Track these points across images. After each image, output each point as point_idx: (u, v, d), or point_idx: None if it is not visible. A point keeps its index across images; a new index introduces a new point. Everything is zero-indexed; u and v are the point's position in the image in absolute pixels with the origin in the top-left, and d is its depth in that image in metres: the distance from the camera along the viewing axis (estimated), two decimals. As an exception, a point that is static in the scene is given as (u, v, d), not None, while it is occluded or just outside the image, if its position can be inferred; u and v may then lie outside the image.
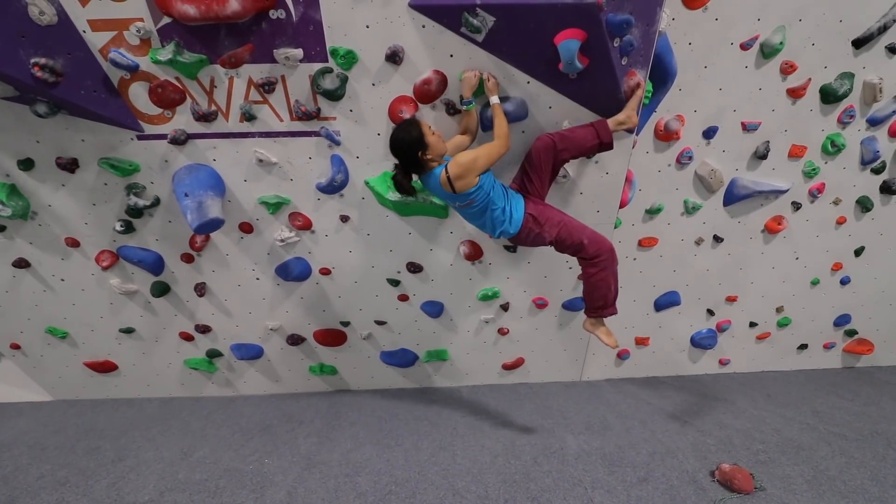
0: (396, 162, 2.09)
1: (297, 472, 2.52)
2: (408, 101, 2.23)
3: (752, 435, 2.75)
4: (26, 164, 2.31)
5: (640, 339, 3.35)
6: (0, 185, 2.34)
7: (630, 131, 2.25)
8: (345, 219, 2.59)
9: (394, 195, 2.41)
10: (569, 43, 1.91)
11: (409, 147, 2.00)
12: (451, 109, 2.26)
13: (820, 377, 3.49)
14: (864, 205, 2.95)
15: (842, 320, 3.43)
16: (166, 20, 1.97)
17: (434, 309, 2.97)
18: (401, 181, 2.08)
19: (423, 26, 2.05)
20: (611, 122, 2.18)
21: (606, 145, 2.20)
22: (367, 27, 2.05)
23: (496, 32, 2.00)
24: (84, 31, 1.97)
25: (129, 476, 2.51)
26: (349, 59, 2.10)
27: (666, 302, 3.18)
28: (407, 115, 2.25)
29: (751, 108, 2.56)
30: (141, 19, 1.96)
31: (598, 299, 2.28)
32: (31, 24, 1.85)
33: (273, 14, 1.98)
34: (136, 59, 2.05)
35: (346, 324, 3.03)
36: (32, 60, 1.88)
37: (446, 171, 1.99)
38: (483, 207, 2.12)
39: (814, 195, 2.88)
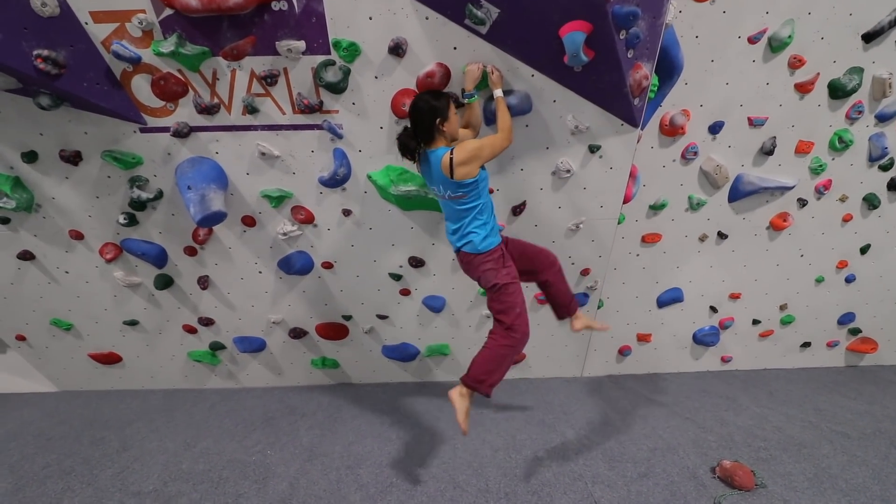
0: (407, 125, 2.06)
1: (300, 463, 2.53)
2: (411, 94, 2.21)
3: (754, 432, 2.75)
4: (30, 157, 2.31)
5: (641, 336, 3.34)
6: (4, 177, 2.35)
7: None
8: (347, 213, 2.58)
9: (397, 189, 2.40)
10: (574, 35, 1.89)
11: (430, 111, 1.97)
12: (455, 103, 2.24)
13: (823, 375, 3.48)
14: (870, 202, 2.92)
15: (846, 318, 3.41)
16: (168, 12, 1.96)
17: (436, 303, 2.97)
18: (406, 142, 2.04)
19: (427, 18, 2.04)
20: (580, 315, 2.49)
21: (566, 311, 2.48)
22: (370, 19, 2.03)
23: (500, 24, 1.98)
24: (86, 23, 1.97)
25: (133, 466, 2.54)
26: (352, 51, 2.09)
27: (668, 298, 3.17)
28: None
29: (758, 103, 2.53)
30: (143, 11, 1.95)
31: (484, 372, 2.13)
32: (34, 15, 1.85)
33: (275, 5, 1.96)
34: (139, 51, 2.04)
35: (347, 318, 3.04)
36: (35, 52, 1.88)
37: (451, 154, 1.96)
38: (470, 207, 2.08)
39: (820, 192, 2.85)
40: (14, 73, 1.95)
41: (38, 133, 2.26)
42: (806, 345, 3.52)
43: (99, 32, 2.00)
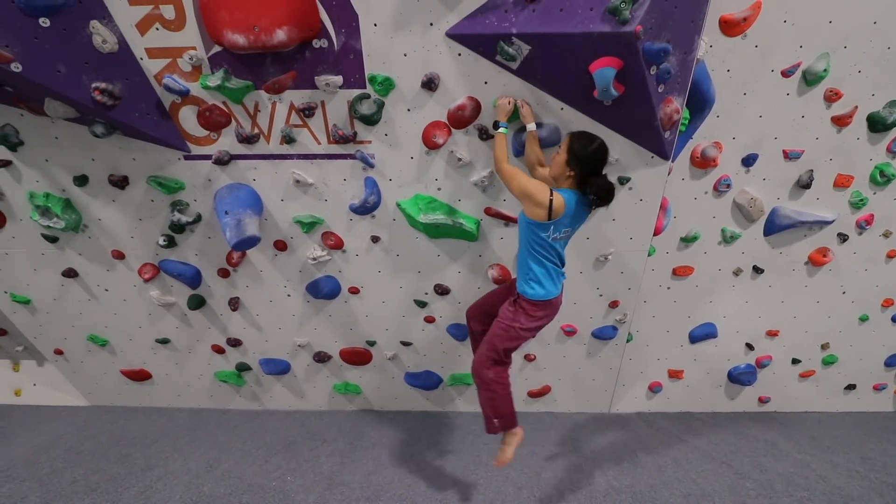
0: (597, 174, 2.00)
1: (319, 492, 2.50)
2: (441, 126, 2.27)
3: (796, 481, 2.58)
4: (81, 181, 2.45)
5: (673, 372, 3.22)
6: (56, 198, 2.49)
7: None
8: (375, 239, 2.62)
9: (426, 217, 2.42)
10: (604, 71, 1.91)
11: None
12: (484, 134, 2.29)
13: (870, 420, 3.27)
14: (917, 238, 2.79)
15: (893, 360, 3.21)
16: (217, 49, 2.09)
17: (460, 332, 2.94)
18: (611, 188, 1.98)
19: (459, 54, 2.10)
20: None
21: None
22: (405, 55, 2.11)
23: (531, 60, 2.03)
24: (141, 59, 2.11)
25: (156, 486, 2.55)
26: (386, 85, 2.16)
27: (701, 334, 3.06)
28: (441, 140, 2.28)
29: (793, 136, 2.48)
30: (194, 48, 2.09)
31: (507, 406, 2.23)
32: (95, 51, 1.99)
33: (316, 43, 2.07)
34: (188, 84, 2.17)
35: (371, 343, 3.04)
36: (93, 85, 2.02)
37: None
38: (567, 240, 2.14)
39: (862, 227, 2.75)
40: (73, 104, 2.09)
41: (90, 158, 2.40)
42: (851, 387, 3.32)
43: (152, 67, 2.13)
